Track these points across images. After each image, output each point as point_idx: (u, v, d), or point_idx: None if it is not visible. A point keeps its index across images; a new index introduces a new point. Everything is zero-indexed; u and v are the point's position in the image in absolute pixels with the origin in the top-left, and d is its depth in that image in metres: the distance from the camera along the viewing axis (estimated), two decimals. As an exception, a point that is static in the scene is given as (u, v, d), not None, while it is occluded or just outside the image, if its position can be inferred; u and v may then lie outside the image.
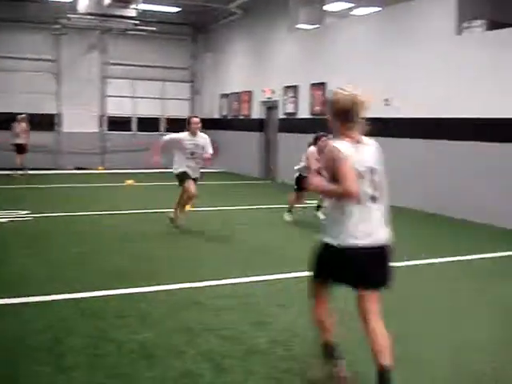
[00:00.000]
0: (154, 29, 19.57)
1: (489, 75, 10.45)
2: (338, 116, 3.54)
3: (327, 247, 3.54)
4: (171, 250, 7.80)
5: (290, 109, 16.71)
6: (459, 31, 11.17)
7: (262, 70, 18.32)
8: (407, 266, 6.77)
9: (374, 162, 3.56)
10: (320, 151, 8.68)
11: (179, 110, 22.27)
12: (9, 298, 5.44)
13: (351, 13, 16.14)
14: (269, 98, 17.74)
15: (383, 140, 4.33)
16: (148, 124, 21.72)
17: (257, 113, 18.62)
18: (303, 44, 16.15)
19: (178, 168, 9.09)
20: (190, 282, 6.12)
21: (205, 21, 21.27)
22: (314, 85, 15.44)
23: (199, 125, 9.09)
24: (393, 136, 12.05)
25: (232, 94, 20.24)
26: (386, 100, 12.66)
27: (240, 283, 6.17)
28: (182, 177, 9.02)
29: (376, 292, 3.54)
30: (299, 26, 15.25)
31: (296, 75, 16.30)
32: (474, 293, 6.12)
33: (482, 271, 7.09)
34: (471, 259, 7.57)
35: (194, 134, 9.03)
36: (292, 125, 16.61)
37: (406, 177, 11.58)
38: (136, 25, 18.30)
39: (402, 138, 12.26)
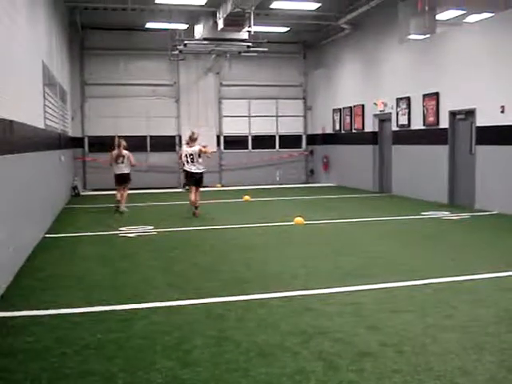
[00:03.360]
0: (266, 49, 20.17)
1: None
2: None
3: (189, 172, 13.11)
4: (285, 260, 8.11)
5: (402, 121, 16.62)
6: None
7: (373, 82, 18.37)
8: None
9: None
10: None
11: (293, 127, 22.85)
12: (137, 303, 5.96)
13: (464, 20, 15.87)
14: (381, 111, 17.74)
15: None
16: (263, 141, 22.40)
17: (370, 126, 18.66)
18: (414, 54, 16.05)
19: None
20: (303, 289, 6.39)
21: (314, 38, 21.66)
22: (426, 95, 15.31)
23: None
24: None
25: (344, 108, 20.42)
26: (502, 107, 12.37)
27: (351, 291, 6.36)
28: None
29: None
30: (410, 36, 15.16)
31: (408, 86, 16.24)
32: None
33: None
34: None
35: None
36: (405, 137, 16.51)
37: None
38: (249, 47, 18.99)
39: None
